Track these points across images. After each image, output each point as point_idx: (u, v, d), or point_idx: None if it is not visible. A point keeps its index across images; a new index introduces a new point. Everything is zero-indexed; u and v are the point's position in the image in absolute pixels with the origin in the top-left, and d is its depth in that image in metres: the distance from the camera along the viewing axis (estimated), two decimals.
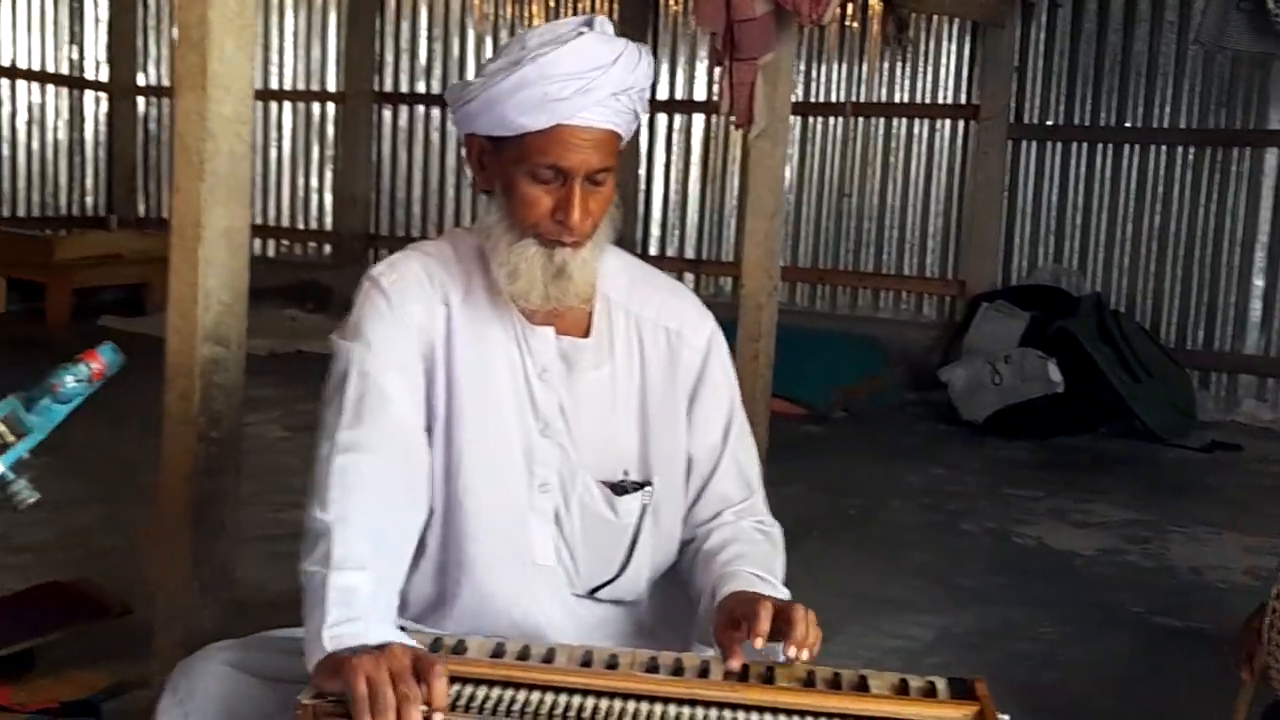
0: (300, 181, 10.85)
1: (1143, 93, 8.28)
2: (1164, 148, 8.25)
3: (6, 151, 10.39)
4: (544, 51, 1.96)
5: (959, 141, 8.81)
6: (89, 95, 11.11)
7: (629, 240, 9.26)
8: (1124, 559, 4.94)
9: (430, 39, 10.34)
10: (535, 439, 2.11)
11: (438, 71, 10.32)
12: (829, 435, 7.02)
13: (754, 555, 2.10)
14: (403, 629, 1.85)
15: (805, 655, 1.85)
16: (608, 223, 2.10)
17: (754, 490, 2.24)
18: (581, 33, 2.00)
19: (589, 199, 2.01)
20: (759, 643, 1.83)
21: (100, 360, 1.50)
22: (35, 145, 10.65)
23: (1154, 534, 5.29)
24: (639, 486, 2.15)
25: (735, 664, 1.83)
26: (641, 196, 9.55)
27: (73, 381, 1.47)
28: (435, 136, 10.37)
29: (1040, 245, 8.62)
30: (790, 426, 6.65)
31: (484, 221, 2.10)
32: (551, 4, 9.90)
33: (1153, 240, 8.29)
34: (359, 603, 1.75)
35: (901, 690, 1.85)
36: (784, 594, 2.05)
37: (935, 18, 8.63)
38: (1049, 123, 8.57)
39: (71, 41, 10.93)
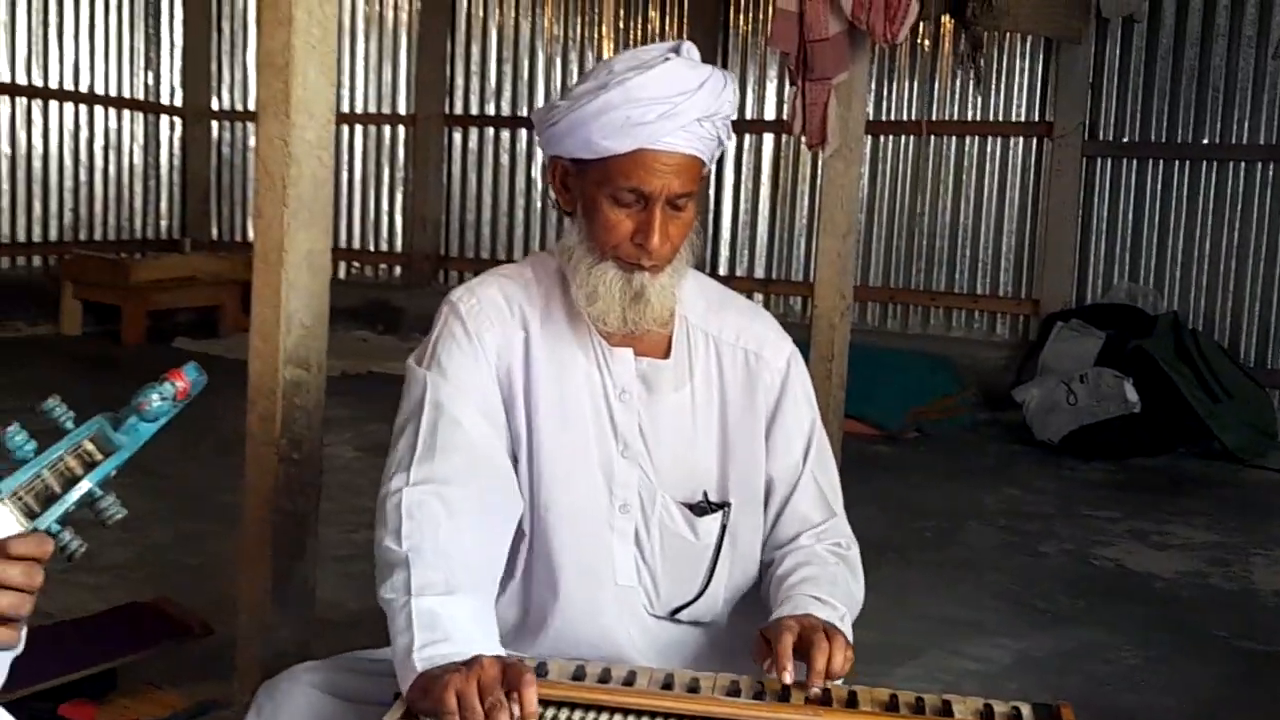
0: (372, 204, 10.96)
1: (1220, 109, 8.18)
2: (1242, 164, 8.15)
3: (84, 176, 10.58)
4: (629, 76, 1.97)
5: (1032, 159, 8.75)
6: (164, 120, 11.29)
7: (700, 259, 9.18)
8: (1205, 582, 4.87)
9: (500, 61, 10.41)
10: (615, 460, 2.12)
11: (508, 93, 10.39)
12: (902, 456, 6.98)
13: (819, 578, 2.09)
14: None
15: (817, 688, 1.84)
16: (687, 248, 2.10)
17: (835, 512, 2.23)
18: (668, 58, 2.01)
19: (669, 224, 2.02)
20: (786, 676, 1.83)
21: (185, 379, 1.51)
22: (112, 170, 10.83)
23: (1235, 556, 5.22)
24: (718, 507, 2.15)
25: (785, 678, 1.83)
26: (711, 216, 9.56)
27: (159, 400, 1.48)
28: (505, 158, 10.44)
29: (1116, 264, 8.54)
30: (862, 447, 6.62)
31: (565, 243, 2.12)
32: (621, 25, 9.94)
33: (1231, 258, 8.18)
34: (443, 625, 1.76)
35: (986, 715, 1.84)
36: (840, 614, 2.03)
37: (1009, 35, 8.58)
38: (1124, 140, 8.49)
39: (147, 67, 11.12)
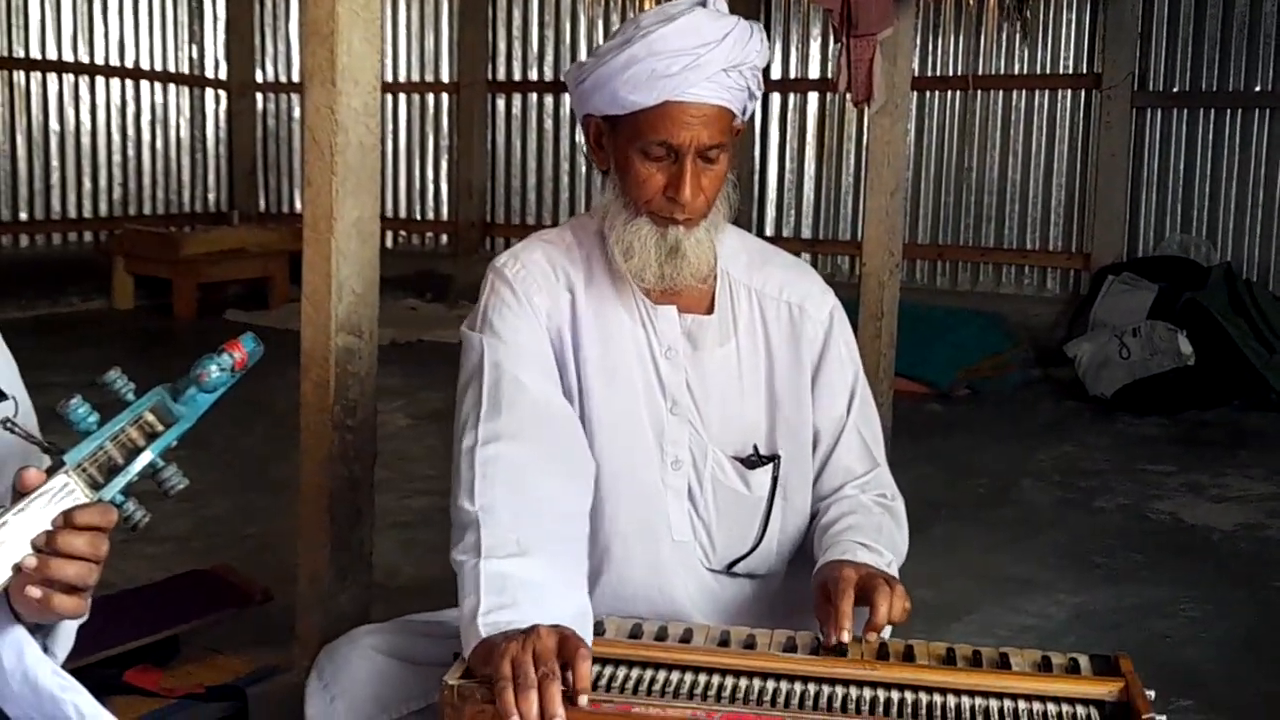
0: (417, 172, 10.98)
1: (1273, 56, 8.07)
2: None
3: (132, 151, 10.65)
4: (653, 29, 1.98)
5: (1081, 112, 8.67)
6: (209, 93, 11.35)
7: (746, 220, 9.24)
8: (1264, 534, 4.83)
9: (542, 26, 10.39)
10: (665, 417, 2.13)
11: (550, 59, 10.38)
12: (954, 414, 6.96)
13: (865, 525, 2.10)
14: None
15: (874, 636, 1.86)
16: (723, 202, 2.10)
17: (878, 463, 2.24)
18: (694, 10, 2.01)
19: (701, 176, 2.02)
20: (845, 635, 1.84)
21: (242, 350, 1.53)
22: (159, 144, 10.90)
23: None
24: (768, 460, 2.16)
25: (844, 637, 1.84)
26: (757, 177, 9.53)
27: (217, 371, 1.50)
28: (549, 123, 10.43)
29: (1167, 215, 8.46)
30: (914, 406, 6.60)
31: (602, 201, 2.13)
32: None
33: None
34: (511, 588, 1.77)
35: (1044, 667, 1.84)
36: (886, 561, 2.04)
37: None
38: (1174, 90, 8.40)
39: (191, 41, 11.17)
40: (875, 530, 2.10)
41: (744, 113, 2.09)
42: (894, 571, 2.05)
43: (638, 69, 1.97)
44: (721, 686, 1.79)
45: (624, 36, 2.02)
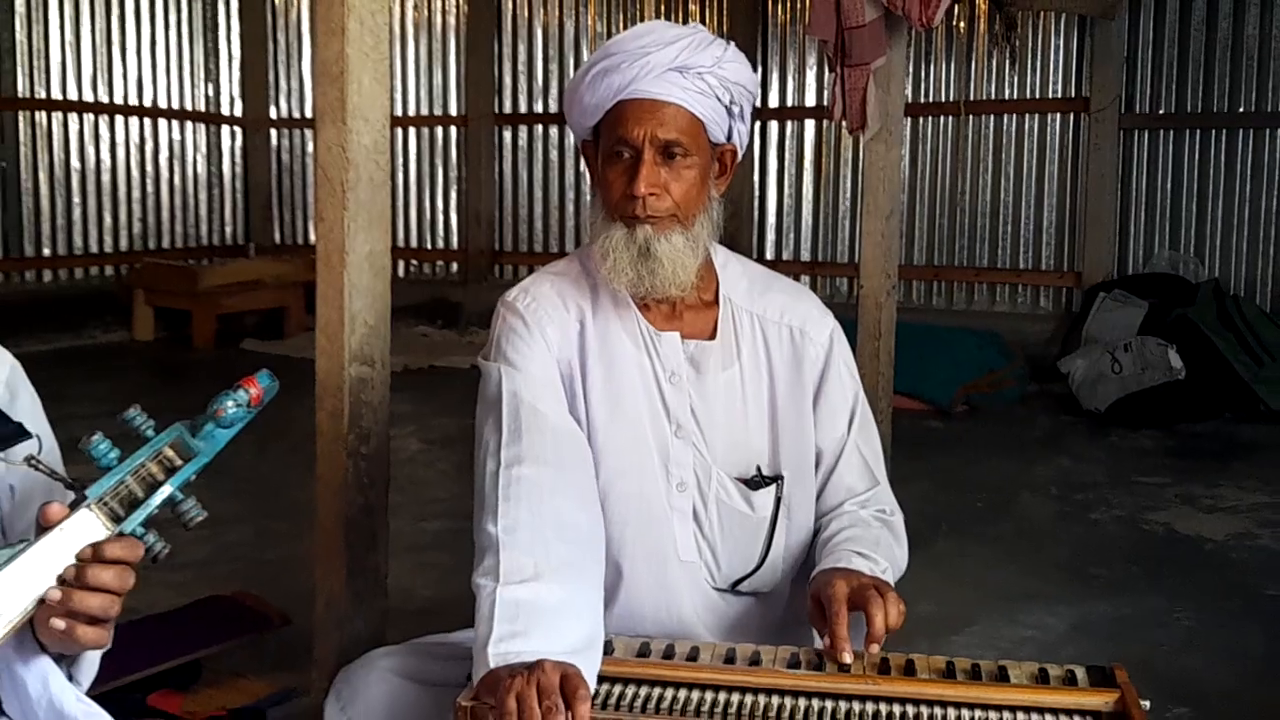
0: (427, 203, 11.01)
1: (1255, 77, 8.09)
2: (1279, 131, 8.04)
3: (151, 187, 10.68)
4: (612, 40, 2.05)
5: (1070, 134, 8.68)
6: (225, 130, 11.39)
7: (746, 245, 9.25)
8: (1257, 543, 4.82)
9: (546, 60, 10.43)
10: (670, 441, 2.13)
11: (554, 91, 10.41)
12: (953, 431, 6.95)
13: (863, 537, 2.11)
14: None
15: (875, 648, 1.86)
16: (705, 217, 2.10)
17: (878, 480, 2.24)
18: (655, 20, 2.06)
19: (663, 173, 2.03)
20: (846, 657, 1.84)
21: (258, 386, 1.54)
22: (177, 180, 10.93)
23: None
24: (771, 480, 2.17)
25: (845, 659, 1.84)
26: (757, 202, 9.55)
27: (234, 407, 1.51)
28: (554, 154, 10.46)
29: (1156, 234, 8.46)
30: (914, 423, 6.59)
31: (591, 219, 2.15)
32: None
33: (1270, 224, 8.10)
34: (524, 615, 1.77)
35: (1041, 679, 1.84)
36: (881, 568, 2.04)
37: (1043, 13, 8.51)
38: (1160, 112, 8.41)
39: (207, 80, 11.21)
40: (873, 543, 2.11)
41: (726, 131, 2.10)
42: (889, 579, 2.05)
43: (593, 76, 2.05)
44: (728, 704, 1.79)
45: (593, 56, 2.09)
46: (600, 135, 2.09)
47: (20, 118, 9.74)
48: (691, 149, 2.05)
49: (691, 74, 2.02)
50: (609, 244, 2.06)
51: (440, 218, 10.99)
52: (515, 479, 1.93)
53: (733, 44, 2.10)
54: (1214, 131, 8.24)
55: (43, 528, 1.41)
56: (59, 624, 1.40)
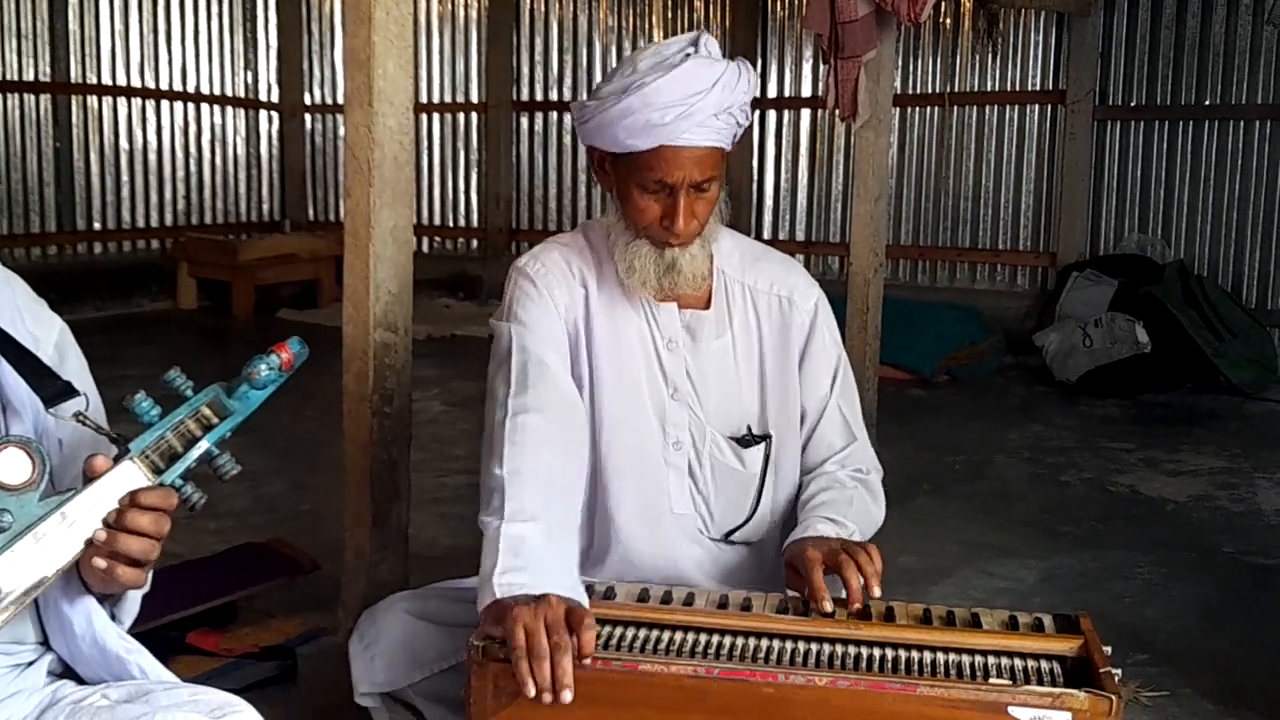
0: (450, 184, 10.97)
1: (1221, 72, 8.03)
2: (1241, 122, 8.00)
3: (194, 167, 10.66)
4: (648, 80, 1.95)
5: (1047, 125, 8.63)
6: (263, 115, 11.35)
7: (744, 226, 9.22)
8: (1214, 504, 4.82)
9: (562, 51, 10.38)
10: (667, 402, 2.14)
11: (569, 80, 10.36)
12: (934, 399, 6.95)
13: (835, 500, 2.11)
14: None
15: (858, 606, 1.86)
16: (715, 218, 2.11)
17: (856, 437, 2.24)
18: (687, 55, 1.98)
19: (695, 204, 2.03)
20: (826, 605, 1.85)
21: (289, 351, 1.54)
22: (218, 161, 10.91)
23: (1242, 481, 5.16)
24: (761, 439, 2.18)
25: (826, 607, 1.85)
26: (754, 185, 9.51)
27: (266, 370, 1.51)
28: (568, 139, 10.41)
29: (1126, 217, 8.42)
30: (898, 392, 6.58)
31: (608, 219, 2.15)
32: (669, 15, 9.88)
33: (1233, 209, 8.05)
34: (527, 551, 1.78)
35: (1011, 626, 1.84)
36: (849, 531, 2.04)
37: (1023, 11, 8.46)
38: (1132, 104, 8.35)
39: (247, 68, 11.17)
40: (846, 504, 2.11)
41: (734, 140, 2.08)
42: (856, 540, 2.04)
43: (634, 119, 1.97)
44: (720, 645, 1.80)
45: (621, 83, 1.99)
46: (622, 158, 2.03)
47: (73, 102, 9.71)
48: (717, 175, 2.04)
49: (725, 114, 2.00)
50: (635, 259, 2.06)
51: (461, 198, 10.96)
52: (520, 425, 1.94)
53: (744, 62, 2.06)
54: (1182, 123, 8.19)
55: (89, 478, 1.42)
56: (101, 563, 1.41)
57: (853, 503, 2.11)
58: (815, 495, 2.13)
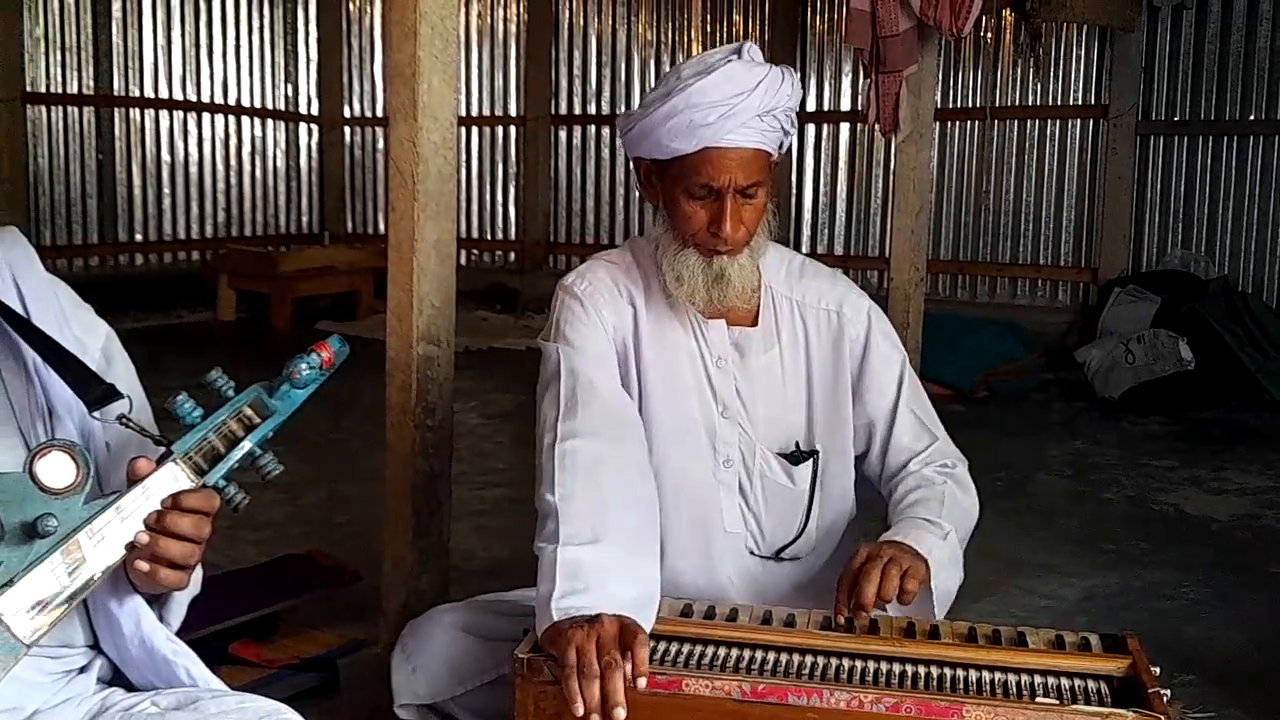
0: (488, 197, 11.02)
1: (1265, 87, 7.98)
2: None
3: (234, 179, 10.76)
4: (691, 82, 1.97)
5: (1089, 139, 8.59)
6: (303, 127, 11.44)
7: (783, 239, 9.19)
8: (1260, 524, 4.76)
9: (600, 65, 10.41)
10: (716, 420, 2.14)
11: (607, 94, 10.39)
12: (975, 414, 6.90)
13: (926, 498, 2.10)
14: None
15: (864, 615, 1.85)
16: (764, 229, 2.11)
17: (936, 436, 2.23)
18: (729, 60, 2.00)
19: (741, 210, 2.02)
20: (840, 618, 1.85)
21: (330, 350, 1.55)
22: (258, 173, 11.00)
23: None
24: (809, 455, 2.17)
25: (839, 620, 1.85)
26: (794, 199, 9.50)
27: (307, 369, 1.52)
28: (606, 153, 10.44)
29: (1169, 233, 8.37)
30: (939, 407, 6.43)
31: (654, 232, 2.15)
32: (708, 29, 9.89)
33: (1278, 225, 7.98)
34: (585, 574, 1.77)
35: (1058, 645, 1.83)
36: (944, 533, 2.04)
37: (1066, 25, 8.42)
38: (1175, 118, 8.31)
39: (287, 81, 11.26)
40: (938, 501, 2.09)
41: (780, 148, 2.08)
42: (952, 540, 2.04)
43: (678, 120, 1.97)
44: (764, 661, 1.79)
45: (665, 89, 2.02)
46: (668, 165, 2.04)
47: (116, 114, 9.82)
48: (764, 181, 2.04)
49: (769, 116, 2.01)
50: (683, 270, 2.06)
51: (499, 211, 11.00)
52: (570, 451, 1.93)
53: (788, 68, 2.07)
54: (1225, 138, 8.14)
55: (132, 480, 1.43)
56: (143, 565, 1.42)
57: (944, 500, 2.10)
58: (905, 496, 2.12)
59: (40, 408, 1.53)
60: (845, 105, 9.36)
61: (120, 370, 1.65)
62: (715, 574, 2.14)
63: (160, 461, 1.45)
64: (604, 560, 1.79)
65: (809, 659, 1.79)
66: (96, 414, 1.51)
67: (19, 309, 1.54)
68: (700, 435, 2.13)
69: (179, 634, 1.64)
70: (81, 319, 1.64)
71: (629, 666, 1.62)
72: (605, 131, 10.40)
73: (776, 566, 2.19)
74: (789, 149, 2.23)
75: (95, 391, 1.50)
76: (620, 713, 1.59)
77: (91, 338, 1.63)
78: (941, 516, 2.05)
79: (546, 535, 1.85)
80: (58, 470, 1.38)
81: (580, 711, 1.59)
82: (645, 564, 1.86)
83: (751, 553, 2.17)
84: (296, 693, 2.83)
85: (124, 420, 1.47)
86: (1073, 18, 7.87)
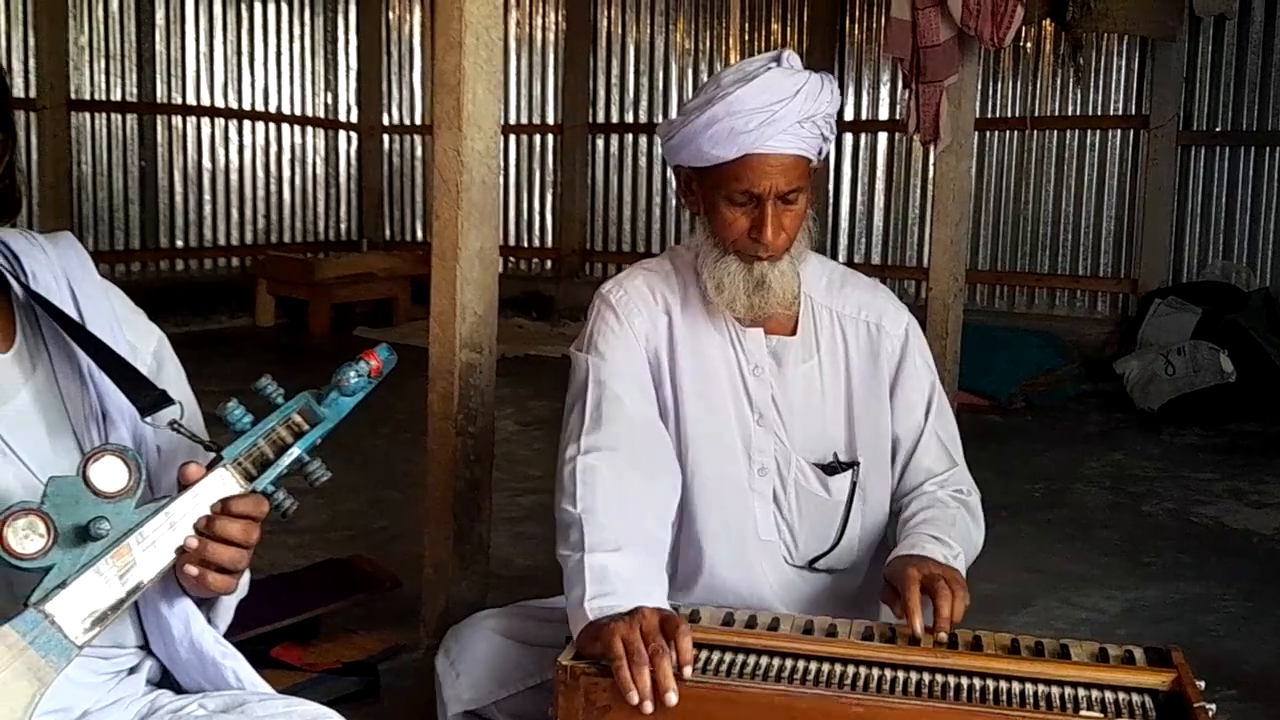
0: (525, 205, 11.05)
1: None
2: None
3: (274, 186, 10.84)
4: (731, 90, 1.98)
5: (1129, 150, 8.54)
6: (342, 135, 11.51)
7: (821, 247, 9.19)
8: None
9: (638, 74, 10.43)
10: (752, 429, 2.14)
11: (645, 103, 10.40)
12: (1013, 425, 6.87)
13: (939, 519, 2.09)
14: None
15: (944, 633, 1.83)
16: (804, 236, 2.11)
17: (956, 462, 2.23)
18: (769, 68, 2.00)
19: (782, 217, 2.03)
20: (918, 627, 1.83)
21: (378, 359, 1.56)
22: (297, 180, 11.08)
23: None
24: (848, 466, 2.16)
25: (917, 628, 1.83)
26: (831, 208, 9.48)
27: (356, 377, 1.53)
28: (643, 161, 10.46)
29: (1210, 244, 8.30)
30: (976, 417, 6.52)
31: (694, 240, 2.15)
32: (746, 38, 9.89)
33: None
34: (612, 578, 1.79)
35: (1101, 658, 1.82)
36: (955, 553, 2.02)
37: (1106, 35, 8.37)
38: (1217, 129, 8.25)
39: (326, 89, 11.34)
40: (949, 523, 2.09)
41: (819, 155, 2.09)
42: (961, 564, 2.03)
43: (719, 127, 1.98)
44: (806, 670, 1.79)
45: (706, 96, 2.02)
46: (709, 172, 2.05)
47: (159, 121, 9.92)
48: (804, 187, 2.05)
49: (809, 123, 2.01)
50: (724, 277, 2.06)
51: (537, 218, 11.03)
52: (592, 465, 1.95)
53: (827, 75, 2.08)
54: (1268, 148, 8.07)
55: (183, 485, 1.45)
56: (192, 570, 1.43)
57: (955, 523, 2.10)
58: (917, 514, 2.11)
59: (94, 412, 1.55)
60: (884, 114, 9.35)
61: (171, 375, 1.66)
62: (755, 583, 2.14)
63: (210, 467, 1.46)
64: (629, 566, 1.82)
65: (851, 669, 1.79)
66: (148, 419, 1.52)
67: (74, 314, 1.55)
68: (735, 443, 2.13)
69: (226, 634, 1.66)
70: (134, 324, 1.66)
71: (674, 655, 1.63)
72: (643, 140, 10.42)
73: (814, 577, 2.19)
74: (827, 156, 2.22)
75: (148, 397, 1.52)
76: (672, 697, 1.61)
77: (143, 343, 1.65)
78: (952, 538, 2.04)
79: (571, 544, 1.87)
80: (111, 474, 1.39)
81: (635, 700, 1.61)
82: (659, 576, 1.90)
83: (786, 562, 2.17)
84: (337, 697, 2.85)
85: (175, 426, 1.49)
86: (1114, 28, 7.82)
